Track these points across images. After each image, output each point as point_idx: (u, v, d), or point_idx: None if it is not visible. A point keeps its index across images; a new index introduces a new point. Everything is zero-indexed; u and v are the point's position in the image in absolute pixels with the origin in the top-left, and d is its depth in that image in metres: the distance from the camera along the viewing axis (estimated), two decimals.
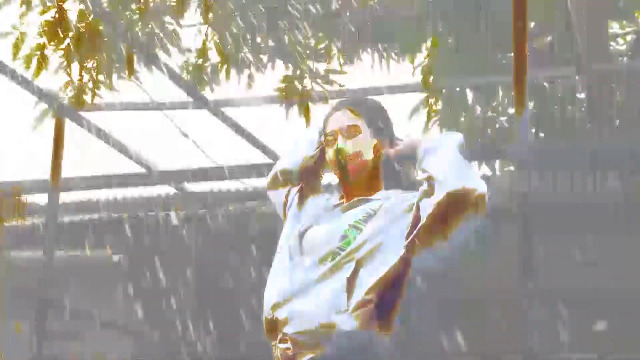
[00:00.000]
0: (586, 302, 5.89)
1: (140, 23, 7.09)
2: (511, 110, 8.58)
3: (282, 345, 3.08)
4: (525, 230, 4.59)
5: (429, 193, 3.12)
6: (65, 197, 7.19)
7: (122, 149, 6.85)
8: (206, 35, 7.90)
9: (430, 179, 3.14)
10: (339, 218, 3.23)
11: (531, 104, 7.98)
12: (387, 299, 3.07)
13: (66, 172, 6.54)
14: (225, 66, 7.72)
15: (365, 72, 8.37)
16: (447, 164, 3.11)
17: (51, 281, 6.37)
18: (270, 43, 7.77)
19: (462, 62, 7.39)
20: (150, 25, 7.35)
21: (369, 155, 3.32)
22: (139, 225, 7.50)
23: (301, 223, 3.31)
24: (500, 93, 8.42)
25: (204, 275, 7.55)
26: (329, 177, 3.60)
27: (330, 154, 3.37)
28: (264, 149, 6.75)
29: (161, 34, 7.40)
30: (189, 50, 7.91)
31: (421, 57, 8.49)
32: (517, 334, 4.70)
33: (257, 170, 6.35)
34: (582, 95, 7.45)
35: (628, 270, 6.76)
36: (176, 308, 7.32)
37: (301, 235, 3.25)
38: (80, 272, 6.96)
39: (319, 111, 8.17)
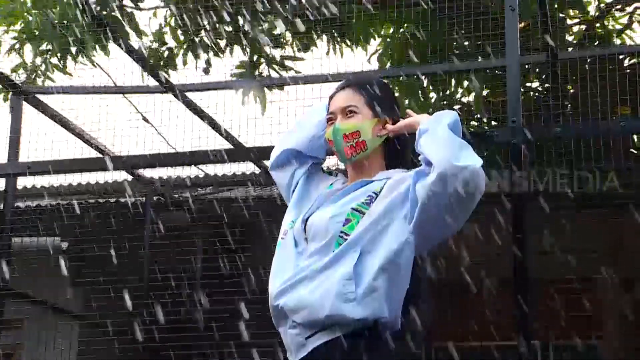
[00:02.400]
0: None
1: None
2: (464, 99, 8.60)
3: (292, 332, 3.02)
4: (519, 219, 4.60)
5: (424, 174, 3.09)
6: (22, 182, 7.04)
7: (80, 134, 6.74)
8: (164, 18, 7.82)
9: (424, 160, 3.12)
10: (342, 202, 3.16)
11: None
12: (394, 284, 3.02)
13: (22, 156, 6.43)
14: (182, 50, 7.64)
15: (320, 59, 8.33)
16: (438, 144, 3.08)
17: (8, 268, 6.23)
18: (228, 28, 7.68)
19: (418, 49, 7.36)
20: (108, 7, 7.22)
21: (367, 136, 3.27)
22: (93, 211, 7.37)
23: (306, 208, 3.24)
24: (453, 82, 8.42)
25: (156, 262, 7.46)
26: (335, 160, 3.54)
27: (329, 133, 3.32)
28: (225, 134, 6.66)
29: (119, 16, 7.27)
30: (145, 34, 7.79)
31: (375, 45, 8.49)
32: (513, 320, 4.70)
33: (216, 156, 6.23)
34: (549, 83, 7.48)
35: (579, 258, 6.83)
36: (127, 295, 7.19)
37: (305, 221, 3.18)
38: (34, 258, 6.80)
39: (274, 97, 8.12)
